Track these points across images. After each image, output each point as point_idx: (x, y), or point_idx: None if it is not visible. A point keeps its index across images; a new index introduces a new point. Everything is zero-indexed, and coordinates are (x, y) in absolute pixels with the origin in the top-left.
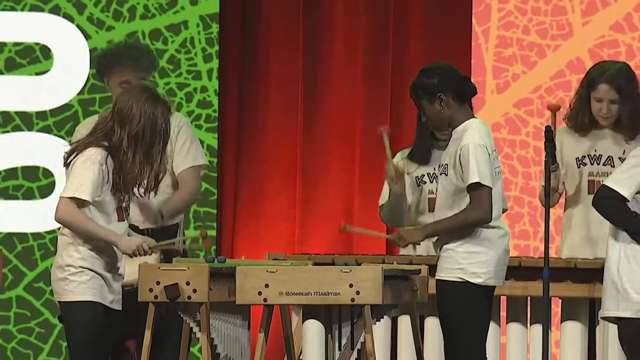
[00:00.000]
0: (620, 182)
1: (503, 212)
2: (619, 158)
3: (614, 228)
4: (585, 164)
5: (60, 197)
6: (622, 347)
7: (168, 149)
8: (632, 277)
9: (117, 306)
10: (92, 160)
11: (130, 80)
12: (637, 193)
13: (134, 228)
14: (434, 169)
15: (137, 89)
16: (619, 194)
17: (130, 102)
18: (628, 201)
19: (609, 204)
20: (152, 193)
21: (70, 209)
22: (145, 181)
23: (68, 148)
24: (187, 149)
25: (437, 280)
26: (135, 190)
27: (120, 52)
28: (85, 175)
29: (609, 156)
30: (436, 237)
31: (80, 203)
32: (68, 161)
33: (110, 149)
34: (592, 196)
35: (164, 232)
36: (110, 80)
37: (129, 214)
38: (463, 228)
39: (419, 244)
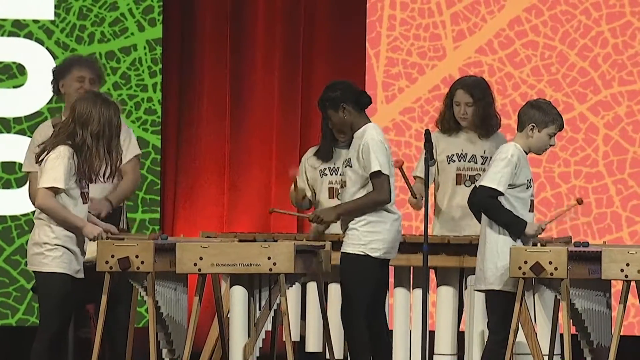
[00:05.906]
0: (494, 180)
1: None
2: (481, 156)
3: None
4: (455, 161)
5: (39, 188)
6: (487, 313)
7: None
8: (508, 258)
9: (81, 275)
10: (62, 155)
11: (85, 76)
12: (509, 187)
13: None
14: (334, 163)
15: (91, 96)
16: (497, 190)
17: (89, 107)
18: (503, 195)
19: (489, 202)
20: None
21: (48, 197)
22: (108, 169)
23: (38, 148)
24: (127, 144)
25: (342, 253)
26: (100, 177)
27: (76, 56)
28: (58, 168)
29: (472, 154)
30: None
31: (56, 191)
32: (40, 158)
33: (74, 146)
34: (459, 186)
35: (112, 212)
36: (65, 79)
37: (88, 199)
38: (368, 208)
39: (328, 226)
